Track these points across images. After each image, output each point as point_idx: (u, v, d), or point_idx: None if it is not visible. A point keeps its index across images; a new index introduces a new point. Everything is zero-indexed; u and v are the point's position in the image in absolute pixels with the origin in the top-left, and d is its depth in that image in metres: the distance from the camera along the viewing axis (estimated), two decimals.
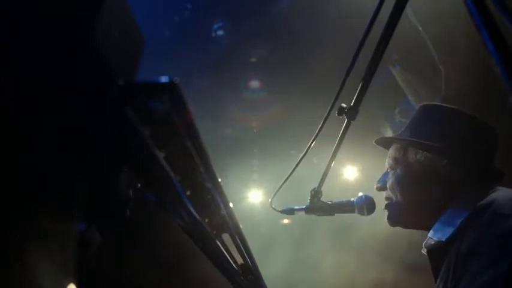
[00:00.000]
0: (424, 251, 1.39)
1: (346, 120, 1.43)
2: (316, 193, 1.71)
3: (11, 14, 0.37)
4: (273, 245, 5.31)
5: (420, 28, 3.50)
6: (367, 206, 1.68)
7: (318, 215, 1.76)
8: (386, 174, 1.56)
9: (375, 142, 1.65)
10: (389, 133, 4.53)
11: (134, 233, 0.53)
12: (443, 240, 1.28)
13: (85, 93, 0.39)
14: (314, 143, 1.55)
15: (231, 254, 0.93)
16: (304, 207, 1.75)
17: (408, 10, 3.36)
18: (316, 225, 5.11)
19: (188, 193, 0.59)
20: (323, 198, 1.73)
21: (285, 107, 5.05)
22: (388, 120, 4.72)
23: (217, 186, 0.62)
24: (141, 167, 0.48)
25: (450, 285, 1.20)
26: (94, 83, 0.39)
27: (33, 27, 0.37)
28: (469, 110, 1.47)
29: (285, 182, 1.69)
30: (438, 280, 1.31)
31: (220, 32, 4.97)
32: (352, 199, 1.71)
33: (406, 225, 1.52)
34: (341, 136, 1.50)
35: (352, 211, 1.70)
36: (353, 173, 5.32)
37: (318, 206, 1.73)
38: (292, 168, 1.65)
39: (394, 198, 1.50)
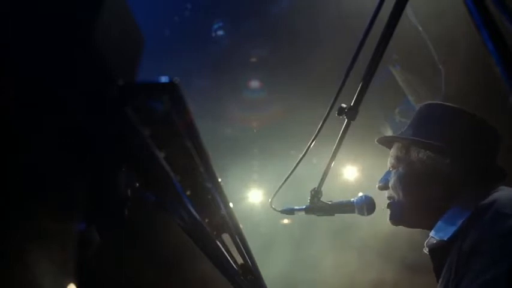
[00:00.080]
0: (425, 250, 1.39)
1: (346, 120, 1.43)
2: (316, 193, 1.71)
3: (11, 14, 0.37)
4: (273, 245, 5.31)
5: (420, 28, 3.50)
6: (367, 206, 1.68)
7: (318, 215, 1.76)
8: (388, 173, 1.56)
9: (376, 141, 1.65)
10: (389, 133, 4.52)
11: (134, 233, 0.53)
12: (445, 239, 1.28)
13: (85, 93, 0.39)
14: (314, 143, 1.55)
15: (231, 254, 0.93)
16: (304, 207, 1.75)
17: (408, 10, 3.36)
18: (316, 225, 5.10)
19: (188, 193, 0.59)
20: (323, 199, 1.73)
21: (285, 107, 5.05)
22: (388, 120, 4.72)
23: (217, 186, 0.62)
24: (141, 167, 0.48)
25: (452, 284, 1.20)
26: (94, 83, 0.39)
27: (33, 27, 0.37)
28: (469, 110, 1.47)
29: (285, 182, 1.69)
30: (440, 279, 1.31)
31: (220, 32, 4.97)
32: (352, 199, 1.71)
33: (408, 225, 1.52)
34: (341, 136, 1.50)
35: (352, 211, 1.70)
36: (353, 173, 5.31)
37: (318, 206, 1.72)
38: (292, 168, 1.65)
39: (396, 197, 1.50)
